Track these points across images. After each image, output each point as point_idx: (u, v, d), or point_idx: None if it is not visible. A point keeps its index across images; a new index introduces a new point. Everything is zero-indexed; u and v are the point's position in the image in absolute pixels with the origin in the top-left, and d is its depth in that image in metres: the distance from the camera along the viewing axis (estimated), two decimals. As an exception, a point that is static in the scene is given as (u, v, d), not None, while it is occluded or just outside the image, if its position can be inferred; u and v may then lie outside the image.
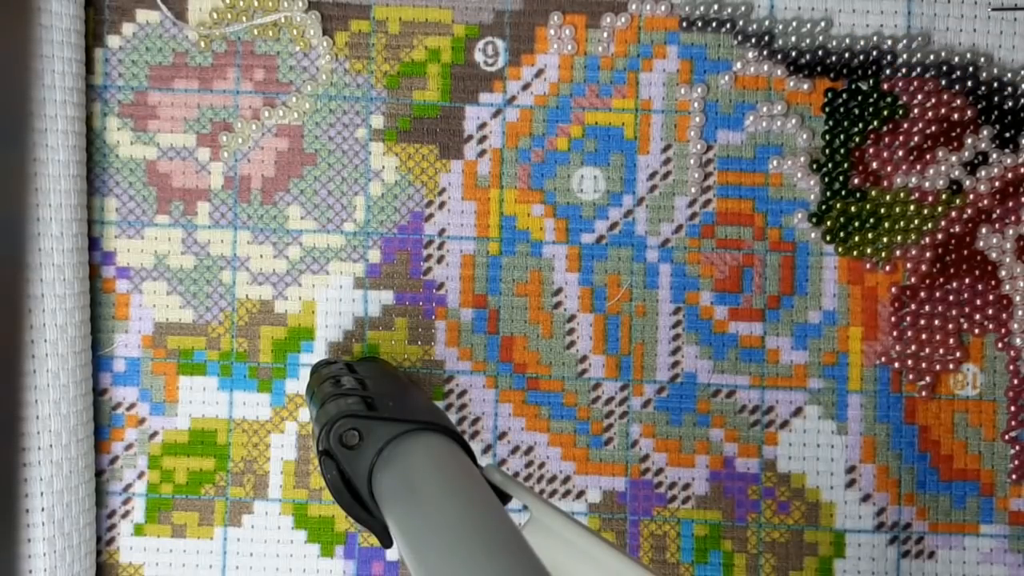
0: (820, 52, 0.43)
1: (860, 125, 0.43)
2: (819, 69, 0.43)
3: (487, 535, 0.26)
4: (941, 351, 0.43)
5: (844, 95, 0.43)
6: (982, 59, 0.43)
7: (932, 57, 0.43)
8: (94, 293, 0.43)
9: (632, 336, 0.43)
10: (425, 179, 0.44)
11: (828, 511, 0.43)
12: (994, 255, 0.43)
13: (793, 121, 0.43)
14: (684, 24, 0.43)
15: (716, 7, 0.43)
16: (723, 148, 0.43)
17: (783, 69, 0.43)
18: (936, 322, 0.43)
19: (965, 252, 0.43)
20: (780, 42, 0.43)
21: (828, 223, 0.43)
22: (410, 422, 0.32)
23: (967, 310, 0.43)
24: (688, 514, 0.43)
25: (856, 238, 0.43)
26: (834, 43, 0.43)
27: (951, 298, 0.43)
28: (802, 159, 0.43)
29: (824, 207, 0.43)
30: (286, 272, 0.44)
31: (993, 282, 0.43)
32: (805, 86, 0.43)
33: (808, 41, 0.43)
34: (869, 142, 0.43)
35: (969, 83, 0.43)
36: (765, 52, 0.43)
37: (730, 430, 0.43)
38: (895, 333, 0.43)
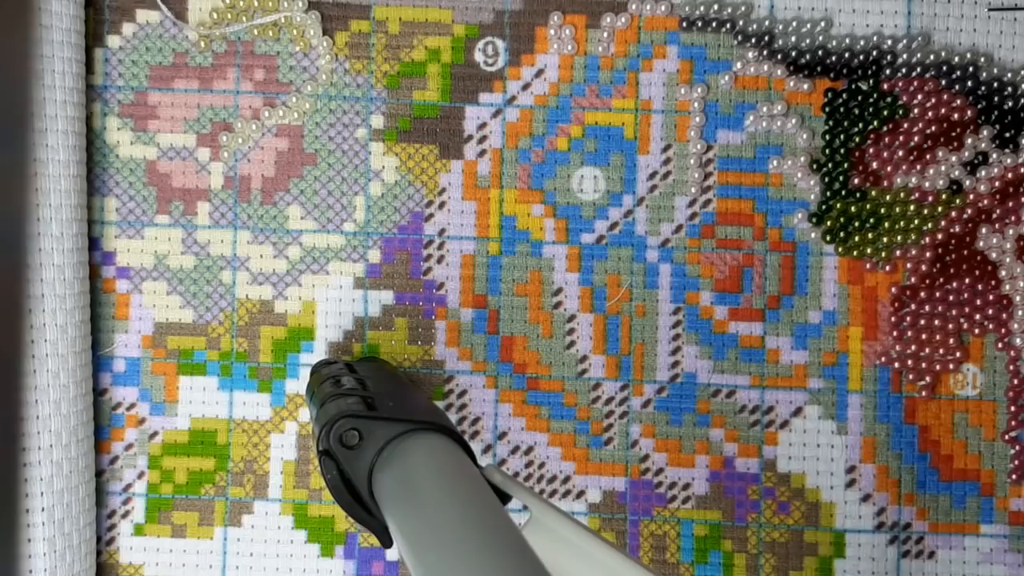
0: (820, 52, 0.43)
1: (860, 125, 0.43)
2: (819, 69, 0.43)
3: (487, 535, 0.26)
4: (941, 351, 0.43)
5: (844, 95, 0.43)
6: (982, 59, 0.43)
7: (932, 57, 0.43)
8: (94, 293, 0.43)
9: (632, 336, 0.43)
10: (425, 179, 0.44)
11: (828, 511, 0.43)
12: (994, 255, 0.43)
13: (793, 121, 0.43)
14: (684, 24, 0.43)
15: (716, 7, 0.43)
16: (723, 148, 0.43)
17: (783, 69, 0.43)
18: (936, 322, 0.43)
19: (965, 252, 0.43)
20: (780, 42, 0.43)
21: (828, 223, 0.43)
22: (410, 422, 0.32)
23: (967, 310, 0.43)
24: (688, 514, 0.43)
25: (856, 238, 0.43)
26: (834, 43, 0.43)
27: (951, 298, 0.43)
28: (802, 159, 0.43)
29: (824, 207, 0.43)
30: (286, 272, 0.44)
31: (993, 282, 0.43)
32: (805, 86, 0.43)
33: (808, 41, 0.43)
34: (869, 142, 0.43)
35: (969, 83, 0.43)
36: (765, 52, 0.43)
37: (730, 430, 0.43)
38: (895, 333, 0.43)
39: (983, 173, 0.43)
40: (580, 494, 0.44)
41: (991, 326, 0.43)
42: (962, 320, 0.43)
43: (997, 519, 0.43)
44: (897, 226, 0.43)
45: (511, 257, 0.44)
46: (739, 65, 0.43)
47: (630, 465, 0.43)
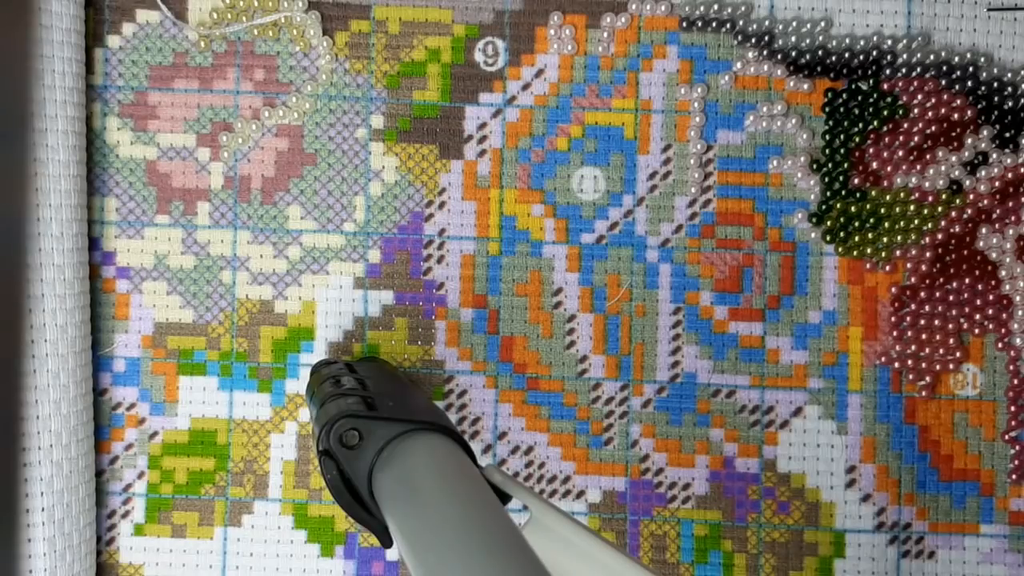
0: (820, 52, 0.43)
1: (860, 125, 0.43)
2: (819, 69, 0.43)
3: (487, 535, 0.26)
4: (941, 351, 0.43)
5: (844, 95, 0.43)
6: (982, 59, 0.43)
7: (932, 57, 0.43)
8: (94, 293, 0.43)
9: (632, 336, 0.43)
10: (425, 179, 0.44)
11: (828, 511, 0.43)
12: (994, 255, 0.43)
13: (793, 121, 0.43)
14: (684, 24, 0.43)
15: (716, 7, 0.43)
16: (723, 148, 0.43)
17: (783, 69, 0.43)
18: (936, 322, 0.43)
19: (965, 252, 0.43)
20: (780, 42, 0.43)
21: (828, 223, 0.43)
22: (410, 422, 0.32)
23: (967, 310, 0.43)
24: (688, 514, 0.43)
25: (856, 238, 0.43)
26: (834, 43, 0.43)
27: (951, 298, 0.43)
28: (802, 159, 0.43)
29: (824, 207, 0.43)
30: (286, 272, 0.44)
31: (993, 282, 0.43)
32: (805, 86, 0.43)
33: (808, 41, 0.43)
34: (869, 142, 0.43)
35: (969, 83, 0.43)
36: (765, 52, 0.43)
37: (730, 430, 0.43)
38: (895, 333, 0.43)
39: (983, 173, 0.43)
40: (580, 494, 0.44)
41: (991, 326, 0.43)
42: (962, 320, 0.43)
43: (997, 519, 0.43)
44: (897, 226, 0.43)
45: (511, 257, 0.44)
46: (739, 65, 0.43)
47: (630, 465, 0.43)
